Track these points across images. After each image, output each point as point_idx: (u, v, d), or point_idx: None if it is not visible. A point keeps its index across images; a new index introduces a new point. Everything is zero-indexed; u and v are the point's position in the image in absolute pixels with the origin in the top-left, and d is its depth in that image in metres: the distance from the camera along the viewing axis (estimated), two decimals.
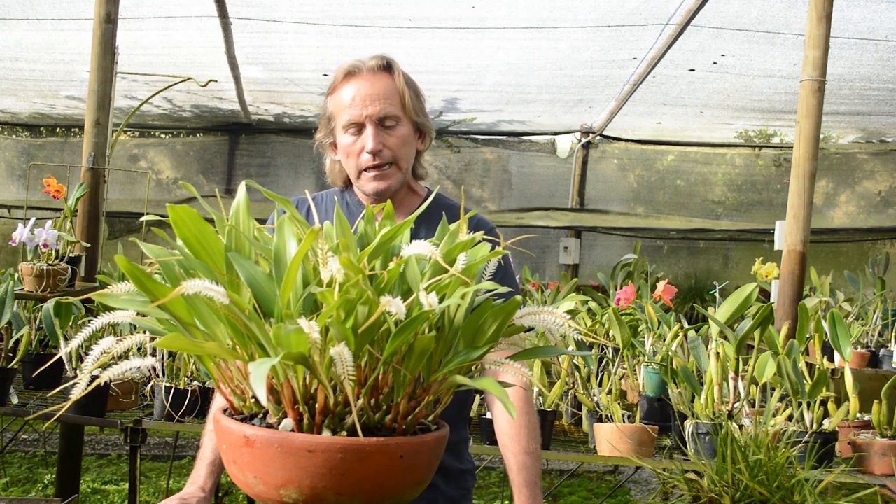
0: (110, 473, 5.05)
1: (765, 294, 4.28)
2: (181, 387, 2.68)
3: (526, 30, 5.01)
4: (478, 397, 2.87)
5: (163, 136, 7.74)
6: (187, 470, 3.76)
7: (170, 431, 4.19)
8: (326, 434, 0.89)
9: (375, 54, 1.73)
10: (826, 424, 2.47)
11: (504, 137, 7.68)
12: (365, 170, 1.71)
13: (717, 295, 3.13)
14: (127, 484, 4.13)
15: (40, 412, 2.70)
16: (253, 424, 0.92)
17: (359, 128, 1.70)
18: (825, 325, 2.89)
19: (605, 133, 7.35)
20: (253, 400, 0.96)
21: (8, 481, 4.63)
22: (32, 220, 2.92)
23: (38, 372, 2.98)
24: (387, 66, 1.72)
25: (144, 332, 1.00)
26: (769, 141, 7.58)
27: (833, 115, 6.24)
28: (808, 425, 2.45)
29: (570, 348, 2.28)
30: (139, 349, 2.31)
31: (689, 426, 2.47)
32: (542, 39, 5.17)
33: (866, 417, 2.75)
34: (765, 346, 2.49)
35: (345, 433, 0.89)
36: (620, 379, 3.15)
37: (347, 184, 1.82)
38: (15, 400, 2.87)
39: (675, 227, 7.28)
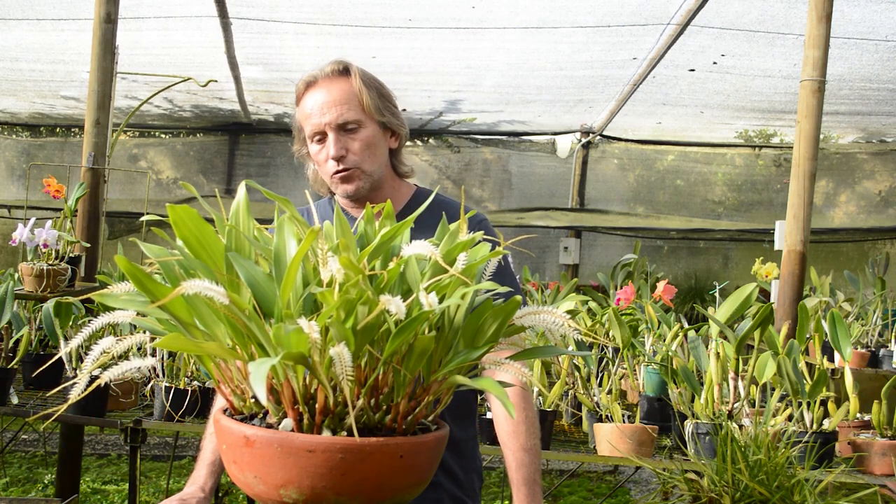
0: (110, 473, 5.05)
1: (765, 294, 4.28)
2: (181, 387, 2.68)
3: (526, 30, 5.01)
4: (479, 397, 2.87)
5: (163, 136, 7.75)
6: (187, 470, 3.76)
7: (170, 431, 4.19)
8: (326, 434, 0.89)
9: (333, 59, 1.73)
10: (826, 424, 2.47)
11: (504, 137, 7.69)
12: (332, 175, 1.73)
13: (717, 295, 3.13)
14: (127, 484, 4.13)
15: (41, 413, 2.70)
16: (253, 424, 0.92)
17: (322, 136, 1.71)
18: (825, 325, 2.89)
19: (605, 133, 7.35)
20: (253, 400, 0.96)
21: (8, 481, 4.63)
22: (32, 220, 2.92)
23: (38, 372, 2.98)
24: (343, 71, 1.71)
25: (144, 332, 1.00)
26: (769, 141, 7.58)
27: (833, 115, 6.24)
28: (808, 425, 2.45)
29: (570, 348, 2.28)
30: (139, 349, 2.31)
31: (689, 426, 2.47)
32: (542, 40, 5.18)
33: (866, 417, 2.75)
34: (765, 346, 2.48)
35: (345, 433, 0.89)
36: (620, 379, 3.15)
37: (332, 191, 1.84)
38: (15, 400, 2.87)
39: (675, 227, 7.28)
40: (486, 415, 2.78)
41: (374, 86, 1.73)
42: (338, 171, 1.71)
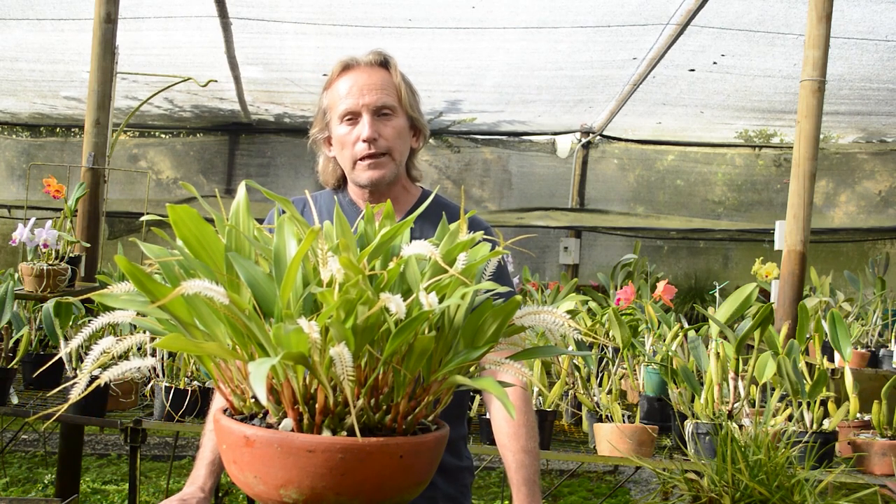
0: (110, 473, 5.05)
1: (765, 294, 4.28)
2: (181, 387, 2.68)
3: (526, 30, 5.01)
4: (478, 397, 2.87)
5: (163, 136, 7.75)
6: (187, 470, 3.76)
7: (170, 431, 4.19)
8: (326, 434, 0.89)
9: (372, 49, 1.75)
10: (826, 424, 2.47)
11: (504, 137, 7.69)
12: (360, 159, 1.72)
13: (717, 295, 3.13)
14: (127, 484, 4.13)
15: (41, 413, 2.70)
16: (253, 424, 0.92)
17: (355, 117, 1.71)
18: (825, 325, 2.89)
19: (605, 133, 7.36)
20: (253, 400, 0.96)
21: (8, 481, 4.63)
22: (32, 220, 2.92)
23: (38, 372, 2.98)
24: (384, 62, 1.75)
25: (144, 332, 1.00)
26: (769, 141, 7.58)
27: (833, 115, 6.24)
28: (808, 425, 2.45)
29: (570, 348, 2.28)
30: (139, 349, 2.31)
31: (689, 426, 2.46)
32: (542, 40, 5.18)
33: (866, 417, 2.75)
34: (765, 346, 2.48)
35: (345, 433, 0.89)
36: (620, 379, 3.15)
37: (340, 184, 1.84)
38: (15, 400, 2.87)
39: (675, 227, 7.28)
40: (485, 414, 2.78)
41: (408, 82, 1.77)
42: (367, 155, 1.71)
